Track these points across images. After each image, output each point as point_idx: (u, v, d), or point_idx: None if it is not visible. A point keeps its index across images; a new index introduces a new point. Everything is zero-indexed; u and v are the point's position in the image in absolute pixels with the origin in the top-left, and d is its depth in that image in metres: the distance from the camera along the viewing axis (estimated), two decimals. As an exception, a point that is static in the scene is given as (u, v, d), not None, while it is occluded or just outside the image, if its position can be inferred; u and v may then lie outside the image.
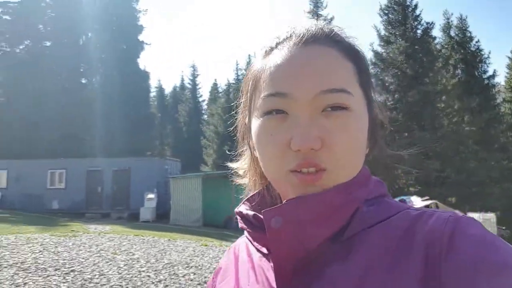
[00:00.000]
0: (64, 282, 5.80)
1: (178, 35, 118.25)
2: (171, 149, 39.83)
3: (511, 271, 0.40)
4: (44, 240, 9.02)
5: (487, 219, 15.35)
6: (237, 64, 39.70)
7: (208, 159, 31.61)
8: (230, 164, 0.68)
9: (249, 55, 39.92)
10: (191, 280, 6.49)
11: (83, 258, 7.45)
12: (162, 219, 16.89)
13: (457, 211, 0.88)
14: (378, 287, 0.44)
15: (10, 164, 19.55)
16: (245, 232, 0.60)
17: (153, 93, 40.47)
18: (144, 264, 7.35)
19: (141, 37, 31.85)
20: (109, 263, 7.24)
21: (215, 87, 46.18)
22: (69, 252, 7.85)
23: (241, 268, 0.61)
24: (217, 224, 15.80)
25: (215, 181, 17.44)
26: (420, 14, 21.28)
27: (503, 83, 28.45)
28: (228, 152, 0.73)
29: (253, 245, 0.59)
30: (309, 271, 0.49)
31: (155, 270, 6.95)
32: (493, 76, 26.69)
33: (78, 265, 6.88)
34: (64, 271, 6.44)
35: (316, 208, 0.48)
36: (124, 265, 7.19)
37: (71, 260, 7.23)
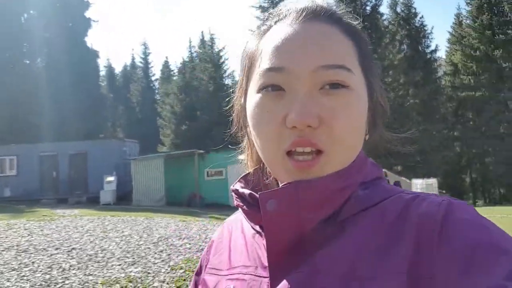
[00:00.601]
0: (71, 259, 5.96)
1: (127, 11, 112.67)
2: (125, 131, 38.80)
3: (504, 255, 0.39)
4: (25, 225, 8.99)
5: (429, 184, 16.83)
6: (190, 42, 38.65)
7: (166, 139, 31.22)
8: (240, 156, 0.66)
9: (202, 31, 39.22)
10: (189, 248, 6.86)
11: (76, 238, 7.54)
12: (123, 201, 16.82)
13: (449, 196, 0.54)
14: (369, 268, 0.44)
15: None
16: (240, 210, 0.58)
17: (102, 72, 38.74)
18: (139, 239, 7.58)
19: (88, 14, 30.21)
20: (104, 240, 7.40)
21: (166, 65, 45.02)
22: (58, 234, 7.91)
23: (233, 244, 0.60)
24: (181, 203, 16.07)
25: (177, 161, 17.57)
26: (368, -9, 22.13)
27: (444, 57, 30.40)
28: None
29: (248, 222, 0.58)
30: (302, 251, 0.49)
31: (153, 243, 7.23)
32: (435, 50, 28.49)
33: (76, 244, 7.00)
34: (65, 249, 6.56)
35: (312, 193, 0.48)
36: (120, 241, 7.38)
37: (65, 240, 7.31)
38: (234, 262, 0.57)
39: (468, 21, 27.45)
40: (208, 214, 13.11)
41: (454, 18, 30.14)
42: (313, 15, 0.51)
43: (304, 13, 0.51)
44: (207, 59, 31.54)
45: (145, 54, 45.30)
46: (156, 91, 44.12)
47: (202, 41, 34.75)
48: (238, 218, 0.64)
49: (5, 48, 25.24)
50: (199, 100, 29.02)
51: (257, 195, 0.50)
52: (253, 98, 0.52)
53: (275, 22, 0.54)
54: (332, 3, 0.54)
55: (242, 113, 0.59)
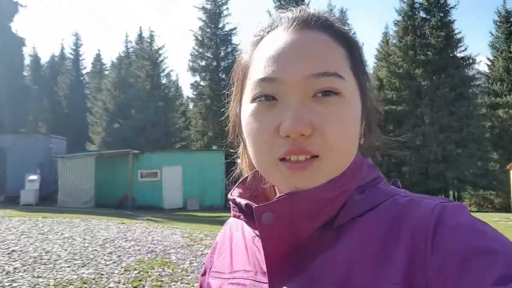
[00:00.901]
0: (14, 261, 5.55)
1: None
2: (50, 126, 36.11)
3: (497, 257, 0.39)
4: None
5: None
6: (127, 36, 37.07)
7: (96, 137, 29.61)
8: (239, 160, 0.67)
9: (141, 27, 37.96)
10: (139, 250, 6.71)
11: (13, 240, 7.00)
12: (47, 201, 15.79)
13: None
14: (365, 277, 0.44)
15: None
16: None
17: (26, 61, 35.69)
18: (83, 241, 7.21)
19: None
20: (46, 242, 6.96)
21: (99, 58, 42.90)
22: (-10, 235, 7.19)
23: (235, 246, 0.61)
24: (111, 204, 15.46)
25: (109, 161, 16.85)
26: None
27: (371, 72, 32.59)
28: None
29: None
30: (299, 257, 0.50)
31: (99, 245, 6.94)
32: (363, 66, 30.12)
33: (15, 246, 6.50)
34: (4, 251, 6.08)
35: (306, 204, 0.48)
36: (63, 243, 6.98)
37: (1, 242, 6.74)
38: (235, 265, 0.58)
39: (394, 41, 29.69)
40: (142, 216, 12.78)
41: (382, 37, 32.64)
42: (304, 23, 0.51)
43: (295, 22, 0.52)
44: (145, 56, 30.55)
45: (76, 45, 42.67)
46: (87, 86, 41.74)
47: (140, 37, 33.53)
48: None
49: None
50: (135, 98, 28.02)
51: (253, 206, 0.51)
52: (247, 107, 0.52)
53: (267, 32, 0.54)
54: (323, 10, 0.56)
55: (237, 122, 0.60)
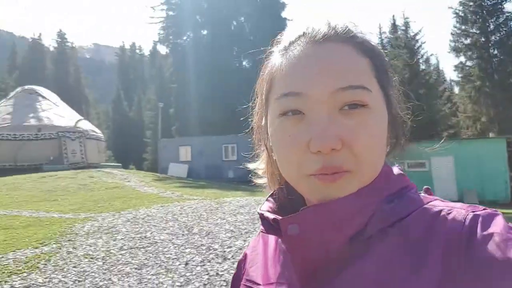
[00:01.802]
0: None
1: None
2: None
3: None
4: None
5: None
6: (380, 28, 37.38)
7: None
8: (248, 165, 0.67)
9: (393, 15, 37.33)
10: None
11: None
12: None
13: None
14: (395, 286, 0.44)
15: (193, 141, 23.39)
16: None
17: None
18: None
19: (284, 14, 32.97)
20: None
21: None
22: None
23: (269, 256, 0.61)
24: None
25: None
26: None
27: None
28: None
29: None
30: (329, 269, 0.49)
31: None
32: None
33: None
34: None
35: (334, 215, 0.48)
36: None
37: None
38: (270, 276, 0.58)
39: None
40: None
41: None
42: (327, 36, 0.51)
43: (319, 35, 0.51)
44: (401, 44, 29.99)
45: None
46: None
47: (394, 25, 33.18)
48: None
49: (221, 51, 30.04)
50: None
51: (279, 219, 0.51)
52: (274, 122, 0.52)
53: (292, 44, 0.53)
54: (345, 22, 0.54)
55: (262, 135, 0.60)
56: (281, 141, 0.51)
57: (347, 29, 0.52)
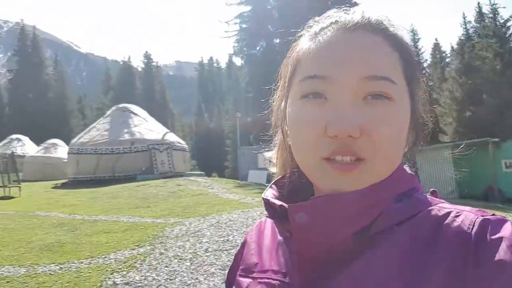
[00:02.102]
0: None
1: None
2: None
3: None
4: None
5: None
6: (464, 17, 34.43)
7: (448, 127, 29.24)
8: (265, 154, 0.66)
9: (479, 3, 34.14)
10: None
11: None
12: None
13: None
14: (398, 284, 0.43)
15: (270, 148, 23.73)
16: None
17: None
18: None
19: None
20: None
21: (437, 47, 41.89)
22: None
23: (265, 245, 0.60)
24: (476, 196, 14.87)
25: (467, 151, 16.25)
26: None
27: None
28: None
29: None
30: (331, 262, 0.48)
31: None
32: None
33: None
34: None
35: (342, 207, 0.47)
36: None
37: None
38: (264, 264, 0.57)
39: None
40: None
41: None
42: (359, 25, 0.50)
43: (350, 23, 0.50)
44: (489, 33, 27.36)
45: (414, 41, 43.75)
46: (430, 77, 41.78)
47: (480, 13, 30.37)
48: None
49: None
50: (484, 82, 25.56)
51: (286, 207, 0.50)
52: (294, 104, 0.51)
53: (322, 29, 0.52)
54: (379, 13, 0.53)
55: (280, 116, 0.59)
56: (298, 122, 0.50)
57: (379, 21, 0.52)
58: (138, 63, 66.38)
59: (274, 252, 0.57)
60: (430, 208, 0.49)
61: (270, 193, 0.58)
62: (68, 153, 19.02)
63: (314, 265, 0.49)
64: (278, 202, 0.53)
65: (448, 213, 0.47)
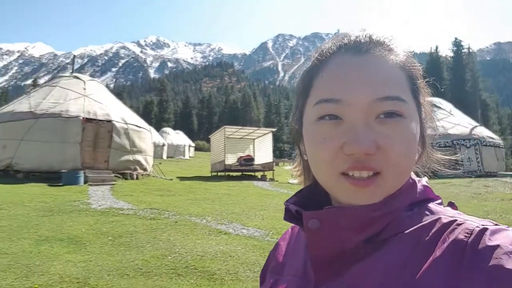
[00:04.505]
0: None
1: None
2: None
3: None
4: None
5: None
6: None
7: None
8: (286, 167, 0.65)
9: None
10: None
11: None
12: None
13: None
14: (398, 286, 0.46)
15: None
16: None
17: None
18: None
19: None
20: None
21: None
22: None
23: (292, 246, 0.67)
24: None
25: None
26: None
27: None
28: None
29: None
30: (341, 264, 0.52)
31: None
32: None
33: None
34: None
35: (352, 220, 0.51)
36: None
37: None
38: (289, 264, 0.64)
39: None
40: None
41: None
42: (367, 47, 0.54)
43: (359, 46, 0.54)
44: None
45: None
46: None
47: None
48: None
49: None
50: None
51: (302, 213, 0.55)
52: (311, 125, 0.54)
53: (333, 53, 0.55)
54: (385, 34, 0.56)
55: (297, 137, 0.62)
56: (316, 142, 0.53)
57: (386, 41, 0.56)
58: (447, 52, 62.00)
59: (298, 253, 0.63)
60: (438, 217, 0.52)
61: (292, 199, 0.62)
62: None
63: (328, 267, 0.54)
64: (294, 208, 0.58)
65: (452, 222, 0.49)
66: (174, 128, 52.75)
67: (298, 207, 0.58)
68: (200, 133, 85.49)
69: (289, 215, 0.60)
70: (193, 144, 45.92)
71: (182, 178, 17.34)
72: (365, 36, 0.56)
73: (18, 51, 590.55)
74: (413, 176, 0.58)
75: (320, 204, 0.60)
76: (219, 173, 19.42)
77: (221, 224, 7.08)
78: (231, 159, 19.98)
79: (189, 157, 40.73)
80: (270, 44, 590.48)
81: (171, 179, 16.00)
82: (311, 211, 0.54)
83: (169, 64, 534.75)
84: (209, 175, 19.84)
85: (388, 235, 0.52)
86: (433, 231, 0.50)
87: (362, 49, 0.54)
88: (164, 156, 33.98)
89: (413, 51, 0.60)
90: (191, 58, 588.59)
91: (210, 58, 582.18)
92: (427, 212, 0.54)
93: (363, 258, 0.51)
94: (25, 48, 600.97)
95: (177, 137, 41.45)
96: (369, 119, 0.51)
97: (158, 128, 44.59)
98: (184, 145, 40.76)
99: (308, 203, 0.62)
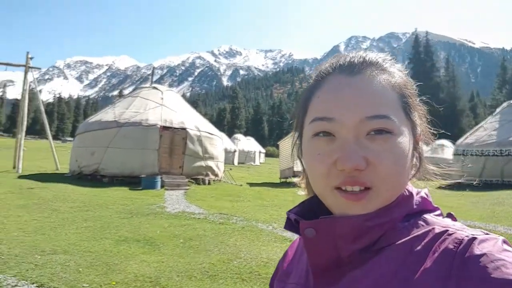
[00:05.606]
0: None
1: None
2: None
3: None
4: None
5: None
6: None
7: None
8: (293, 179, 0.73)
9: None
10: None
11: None
12: None
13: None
14: None
15: None
16: None
17: None
18: None
19: None
20: None
21: None
22: None
23: (298, 255, 0.70)
24: None
25: None
26: None
27: None
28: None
29: None
30: (337, 271, 0.55)
31: None
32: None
33: None
34: None
35: (346, 230, 0.53)
36: None
37: None
38: (294, 272, 0.67)
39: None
40: None
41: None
42: (359, 68, 0.57)
43: (352, 66, 0.57)
44: None
45: None
46: None
47: None
48: None
49: None
50: None
51: (299, 222, 0.58)
52: (308, 140, 0.58)
53: (327, 74, 0.59)
54: (377, 54, 0.60)
55: (297, 151, 0.66)
56: (312, 157, 0.57)
57: (380, 61, 0.59)
58: None
59: (302, 261, 0.66)
60: (431, 227, 0.54)
61: (295, 209, 0.66)
62: (454, 154, 18.93)
63: (325, 273, 0.57)
64: (293, 216, 0.62)
65: (444, 232, 0.52)
66: (246, 134, 54.05)
67: (298, 216, 0.62)
68: (270, 139, 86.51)
69: (289, 224, 0.63)
70: (263, 150, 46.66)
71: (252, 184, 17.67)
72: (360, 57, 0.59)
73: (106, 65, 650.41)
74: (411, 188, 0.60)
75: (321, 214, 0.63)
76: (288, 180, 19.41)
77: (286, 232, 7.09)
78: (300, 166, 19.84)
79: (260, 163, 41.44)
80: (342, 47, 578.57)
81: (241, 185, 16.41)
82: (308, 220, 0.58)
83: (241, 72, 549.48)
84: (278, 181, 19.93)
85: (383, 245, 0.54)
86: (425, 241, 0.52)
87: (355, 70, 0.57)
88: (235, 162, 34.94)
89: (408, 71, 0.63)
90: (262, 65, 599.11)
91: (281, 64, 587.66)
92: (422, 223, 0.55)
93: (358, 266, 0.54)
94: (112, 62, 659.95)
95: (248, 143, 42.39)
96: (360, 136, 0.54)
97: (230, 134, 46.05)
98: (255, 151, 41.55)
99: (309, 213, 0.65)
